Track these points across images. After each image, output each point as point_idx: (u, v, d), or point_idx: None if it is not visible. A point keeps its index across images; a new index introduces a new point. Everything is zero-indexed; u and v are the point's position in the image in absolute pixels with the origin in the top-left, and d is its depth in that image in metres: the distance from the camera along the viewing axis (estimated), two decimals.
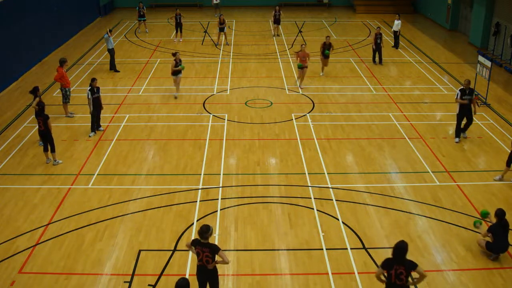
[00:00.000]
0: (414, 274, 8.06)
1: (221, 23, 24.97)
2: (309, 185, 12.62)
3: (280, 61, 23.01)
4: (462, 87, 14.63)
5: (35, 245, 10.39)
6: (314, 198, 12.02)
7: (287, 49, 25.03)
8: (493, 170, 13.31)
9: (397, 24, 24.57)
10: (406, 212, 11.53)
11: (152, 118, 16.68)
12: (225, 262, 7.96)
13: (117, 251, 10.20)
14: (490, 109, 17.44)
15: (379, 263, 9.74)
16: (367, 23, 30.96)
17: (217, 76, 20.84)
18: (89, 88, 15.12)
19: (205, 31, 28.66)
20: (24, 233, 10.75)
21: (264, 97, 18.50)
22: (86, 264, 9.81)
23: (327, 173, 13.15)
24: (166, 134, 15.48)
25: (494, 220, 9.99)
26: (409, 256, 9.96)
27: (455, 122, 14.91)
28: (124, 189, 12.50)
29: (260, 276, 9.51)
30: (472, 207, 11.68)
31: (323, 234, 10.69)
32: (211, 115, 16.70)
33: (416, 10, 34.54)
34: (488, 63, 17.25)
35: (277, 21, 27.21)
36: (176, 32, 26.50)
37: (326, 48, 20.39)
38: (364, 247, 10.29)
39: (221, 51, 24.71)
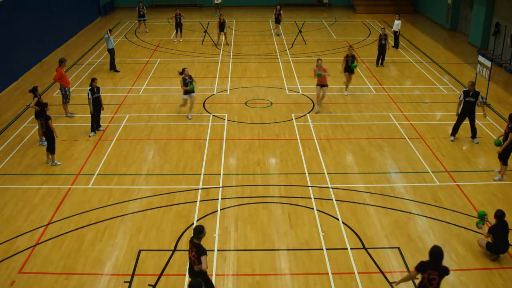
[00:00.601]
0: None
1: (221, 23, 24.97)
2: (309, 185, 12.62)
3: (280, 61, 23.01)
4: (465, 88, 14.68)
5: (35, 245, 10.39)
6: (314, 198, 12.02)
7: (287, 49, 25.03)
8: (493, 170, 13.31)
9: (397, 24, 24.58)
10: (406, 212, 11.53)
11: (152, 118, 16.68)
12: (202, 267, 7.92)
13: (117, 251, 10.20)
14: (490, 109, 17.43)
15: (379, 263, 9.78)
16: (367, 23, 30.96)
17: (217, 76, 20.84)
18: (89, 88, 15.13)
19: (205, 31, 28.66)
20: (24, 233, 10.75)
21: (264, 97, 18.50)
22: (86, 264, 9.81)
23: (327, 173, 13.15)
24: (166, 134, 15.48)
25: (493, 221, 9.99)
26: (409, 257, 10.02)
27: (455, 122, 14.95)
28: (124, 189, 12.50)
29: (260, 276, 9.51)
30: (472, 207, 11.68)
31: (323, 234, 10.69)
32: (211, 115, 16.70)
33: (416, 10, 34.55)
34: (488, 63, 17.26)
35: (276, 21, 27.28)
36: (176, 32, 26.51)
37: (350, 61, 17.99)
38: (364, 247, 10.29)
39: (221, 51, 24.71)
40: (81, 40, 27.07)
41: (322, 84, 16.69)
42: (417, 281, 8.05)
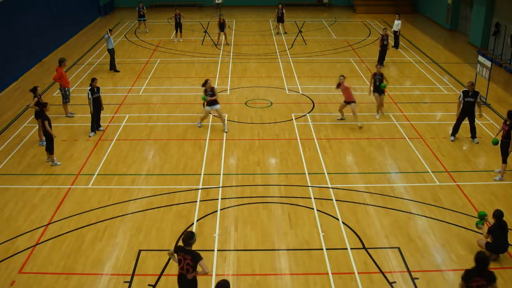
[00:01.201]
0: None
1: (221, 23, 24.97)
2: (309, 185, 12.62)
3: (280, 61, 23.01)
4: (465, 88, 14.70)
5: (35, 245, 10.39)
6: (314, 198, 12.02)
7: (287, 49, 25.02)
8: (493, 170, 13.31)
9: (397, 24, 24.58)
10: (406, 212, 11.53)
11: (152, 118, 16.68)
12: (205, 272, 7.76)
13: (117, 251, 10.20)
14: (490, 109, 17.43)
15: (379, 263, 9.78)
16: (367, 23, 30.96)
17: (217, 76, 20.84)
18: (89, 88, 15.13)
19: (205, 31, 28.66)
20: (24, 233, 10.75)
21: (264, 97, 18.49)
22: (86, 264, 9.81)
23: (327, 173, 13.15)
24: (166, 134, 15.48)
25: (492, 221, 9.99)
26: (409, 257, 10.02)
27: (455, 122, 14.95)
28: (124, 189, 12.50)
29: (260, 276, 9.51)
30: (472, 207, 11.68)
31: (323, 234, 10.69)
32: (211, 115, 16.69)
33: (416, 10, 34.54)
34: (488, 63, 17.25)
35: (280, 20, 27.36)
36: (176, 32, 26.51)
37: (379, 81, 16.08)
38: (364, 247, 10.29)
39: (221, 51, 24.71)
40: (81, 40, 27.07)
41: (348, 101, 15.64)
42: None
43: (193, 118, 16.61)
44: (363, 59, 23.20)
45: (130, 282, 9.34)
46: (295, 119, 16.51)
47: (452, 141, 14.93)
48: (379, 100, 16.36)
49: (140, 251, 10.20)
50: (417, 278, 9.42)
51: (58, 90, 17.46)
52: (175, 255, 7.98)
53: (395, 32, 24.89)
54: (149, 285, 9.29)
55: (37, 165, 13.64)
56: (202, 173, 13.15)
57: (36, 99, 14.40)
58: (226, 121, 15.78)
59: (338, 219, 11.19)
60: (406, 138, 15.19)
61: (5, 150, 14.51)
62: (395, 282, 9.32)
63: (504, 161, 12.77)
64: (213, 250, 10.18)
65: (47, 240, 10.52)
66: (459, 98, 14.71)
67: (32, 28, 22.20)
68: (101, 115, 15.69)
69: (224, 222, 11.14)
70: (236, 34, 28.31)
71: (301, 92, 18.97)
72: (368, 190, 12.39)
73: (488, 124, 16.14)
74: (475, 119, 14.90)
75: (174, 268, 9.70)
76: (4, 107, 17.85)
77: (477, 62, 18.14)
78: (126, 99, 18.40)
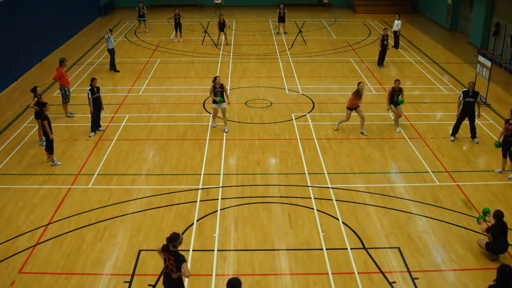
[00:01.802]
0: None
1: (221, 23, 24.98)
2: (309, 185, 12.62)
3: (280, 61, 23.01)
4: (465, 88, 14.71)
5: (35, 245, 10.39)
6: (314, 198, 12.02)
7: (287, 49, 25.02)
8: (493, 170, 13.31)
9: (397, 24, 24.57)
10: (406, 212, 11.53)
11: (152, 118, 16.68)
12: (184, 275, 7.73)
13: (117, 251, 10.20)
14: (490, 109, 17.44)
15: (379, 263, 9.78)
16: (367, 23, 30.95)
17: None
18: (89, 88, 15.13)
19: (205, 31, 28.66)
20: (24, 233, 10.75)
21: (264, 97, 18.49)
22: (86, 264, 9.81)
23: (327, 173, 13.15)
24: (166, 134, 15.48)
25: (493, 221, 9.99)
26: (409, 257, 10.01)
27: (455, 122, 14.96)
28: (124, 189, 12.50)
29: (260, 276, 9.51)
30: (472, 207, 11.68)
31: (323, 234, 10.69)
32: (211, 115, 16.68)
33: (416, 10, 34.54)
34: (488, 63, 17.25)
35: (281, 19, 27.41)
36: (176, 32, 26.50)
37: (397, 96, 15.53)
38: (364, 247, 10.29)
39: (221, 51, 24.71)
40: (81, 40, 27.07)
41: (351, 108, 15.19)
42: None
43: (193, 118, 16.62)
44: (363, 59, 23.19)
45: (130, 282, 9.34)
46: (295, 119, 16.51)
47: (452, 141, 14.93)
48: (397, 111, 15.54)
49: (140, 251, 10.20)
50: (417, 278, 9.42)
51: (58, 90, 17.46)
52: (162, 254, 8.03)
53: (395, 32, 24.88)
54: (149, 285, 9.29)
55: (37, 165, 13.64)
56: (202, 173, 13.15)
57: (36, 99, 14.40)
58: (226, 122, 15.71)
59: (338, 219, 11.19)
60: (406, 138, 15.18)
61: (5, 150, 14.51)
62: (395, 282, 9.32)
63: (505, 156, 12.87)
64: (213, 250, 10.18)
65: (47, 240, 10.52)
66: (459, 98, 14.71)
67: (32, 28, 22.20)
68: (101, 115, 15.68)
69: (224, 222, 11.14)
70: (236, 34, 28.31)
71: (301, 92, 18.97)
72: (368, 190, 12.39)
73: (488, 124, 16.15)
74: (475, 119, 14.90)
75: None
76: (4, 107, 17.85)
77: (477, 62, 18.14)
78: (126, 99, 18.40)
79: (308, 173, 13.14)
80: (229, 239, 10.56)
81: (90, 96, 15.05)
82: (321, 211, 11.49)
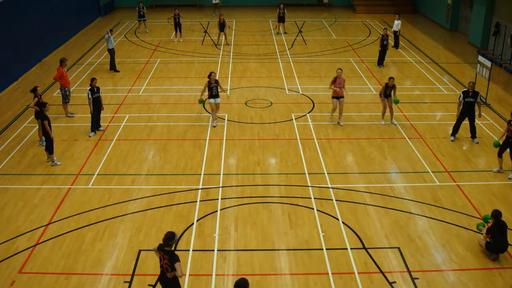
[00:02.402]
0: None
1: (221, 23, 24.98)
2: (309, 185, 12.62)
3: (280, 61, 23.00)
4: (465, 89, 14.72)
5: (35, 245, 10.39)
6: (314, 198, 12.02)
7: (287, 49, 25.02)
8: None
9: (397, 24, 24.58)
10: (406, 212, 11.53)
11: (152, 118, 16.68)
12: (177, 274, 7.75)
13: (117, 251, 10.20)
14: (490, 109, 17.44)
15: (379, 263, 9.78)
16: (367, 23, 30.96)
17: (217, 76, 20.82)
18: (89, 88, 15.13)
19: (205, 31, 28.66)
20: (24, 233, 10.75)
21: (264, 97, 18.49)
22: (86, 264, 9.81)
23: (327, 173, 13.15)
24: (166, 134, 15.48)
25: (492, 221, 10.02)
26: (409, 257, 10.01)
27: (455, 122, 14.96)
28: (124, 189, 12.50)
29: (260, 276, 9.51)
30: (472, 207, 11.69)
31: (323, 234, 10.69)
32: (211, 115, 16.68)
33: (416, 10, 34.54)
34: (488, 63, 17.25)
35: (281, 19, 27.42)
36: (176, 32, 26.50)
37: (389, 91, 15.79)
38: (364, 247, 10.29)
39: (221, 51, 24.71)
40: (81, 40, 27.07)
41: (338, 96, 15.79)
42: None
43: (193, 118, 16.61)
44: (363, 59, 23.19)
45: (130, 282, 9.34)
46: (295, 119, 16.51)
47: (452, 141, 14.94)
48: (390, 104, 15.79)
49: (140, 251, 10.20)
50: (417, 278, 9.42)
51: (58, 90, 17.46)
52: (157, 252, 8.05)
53: (395, 32, 24.88)
54: (149, 285, 9.29)
55: (37, 165, 13.64)
56: (202, 173, 13.15)
57: (36, 99, 14.40)
58: (216, 116, 16.00)
59: (338, 219, 11.19)
60: (406, 138, 15.19)
61: (5, 150, 14.51)
62: (395, 282, 9.32)
63: (500, 155, 12.98)
64: (213, 250, 10.18)
65: (47, 240, 10.52)
66: (459, 98, 14.72)
67: (32, 28, 22.20)
68: (101, 115, 15.69)
69: (224, 222, 11.14)
70: (236, 34, 28.30)
71: (301, 92, 18.97)
72: (368, 190, 12.39)
73: (488, 124, 16.14)
74: (475, 119, 14.90)
75: None
76: (4, 107, 17.85)
77: (477, 62, 18.14)
78: (126, 99, 18.40)
79: (308, 173, 13.14)
80: (229, 239, 10.56)
81: (90, 96, 15.06)
82: (321, 211, 11.49)
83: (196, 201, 11.91)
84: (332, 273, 9.55)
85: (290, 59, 23.24)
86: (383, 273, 9.53)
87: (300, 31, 28.71)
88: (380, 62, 22.07)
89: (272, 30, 29.05)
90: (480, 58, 18.04)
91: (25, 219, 11.25)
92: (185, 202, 11.88)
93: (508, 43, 22.24)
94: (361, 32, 28.57)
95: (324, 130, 15.69)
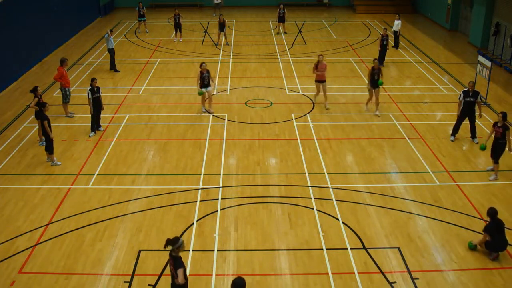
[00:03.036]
0: None
1: (221, 23, 24.98)
2: (309, 185, 12.62)
3: (280, 61, 23.01)
4: (465, 88, 14.73)
5: (35, 245, 10.39)
6: (314, 198, 12.02)
7: (287, 49, 25.03)
8: (493, 170, 13.30)
9: (397, 24, 24.58)
10: (406, 212, 11.53)
11: (152, 118, 16.68)
12: (177, 280, 7.74)
13: (117, 251, 10.20)
14: (490, 109, 17.44)
15: (379, 263, 9.79)
16: (367, 23, 30.96)
17: (217, 76, 20.83)
18: (89, 88, 15.13)
19: (205, 31, 28.66)
20: (24, 233, 10.75)
21: (264, 97, 18.49)
22: (86, 264, 9.82)
23: (327, 173, 13.15)
24: (166, 134, 15.48)
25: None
26: (409, 257, 10.02)
27: (455, 122, 14.96)
28: (124, 189, 12.50)
29: (260, 276, 9.51)
30: (472, 207, 11.69)
31: (323, 234, 10.69)
32: (211, 115, 16.69)
33: (416, 10, 34.54)
34: (488, 63, 17.26)
35: (281, 19, 27.43)
36: (176, 32, 26.50)
37: (376, 75, 16.29)
38: (364, 247, 10.29)
39: (221, 51, 24.71)
40: (81, 40, 27.07)
41: (321, 80, 17.09)
42: None
43: (193, 118, 16.62)
44: (363, 59, 23.20)
45: (130, 282, 9.34)
46: (295, 119, 16.51)
47: (452, 141, 14.94)
48: (376, 94, 16.54)
49: (140, 251, 10.20)
50: (417, 278, 9.42)
51: (59, 90, 17.47)
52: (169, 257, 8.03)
53: (395, 32, 24.88)
54: (149, 285, 9.29)
55: (37, 165, 13.64)
56: (202, 173, 13.15)
57: (36, 99, 14.40)
58: (211, 104, 16.78)
59: (338, 219, 11.20)
60: (406, 138, 15.19)
61: (5, 150, 14.51)
62: (395, 282, 9.32)
63: (496, 161, 12.80)
64: (213, 250, 10.18)
65: (47, 240, 10.52)
66: (459, 98, 14.72)
67: (32, 28, 22.19)
68: (101, 115, 15.69)
69: (224, 222, 11.14)
70: (236, 34, 28.31)
71: (301, 92, 18.97)
72: (368, 190, 12.39)
73: (488, 124, 16.13)
74: (475, 119, 14.91)
75: None
76: (4, 107, 17.85)
77: (477, 62, 18.14)
78: (126, 99, 18.40)
79: (308, 173, 13.14)
80: (229, 239, 10.56)
81: (90, 96, 15.06)
82: (321, 211, 11.49)
83: (196, 201, 11.91)
84: (332, 273, 9.55)
85: (290, 59, 23.24)
86: (383, 273, 9.53)
87: (300, 31, 28.71)
88: (380, 62, 22.04)
89: (272, 30, 29.05)
90: (480, 58, 18.04)
91: (25, 219, 11.26)
92: (185, 202, 11.89)
93: (508, 43, 22.24)
94: (361, 32, 28.58)
95: (324, 130, 15.69)
